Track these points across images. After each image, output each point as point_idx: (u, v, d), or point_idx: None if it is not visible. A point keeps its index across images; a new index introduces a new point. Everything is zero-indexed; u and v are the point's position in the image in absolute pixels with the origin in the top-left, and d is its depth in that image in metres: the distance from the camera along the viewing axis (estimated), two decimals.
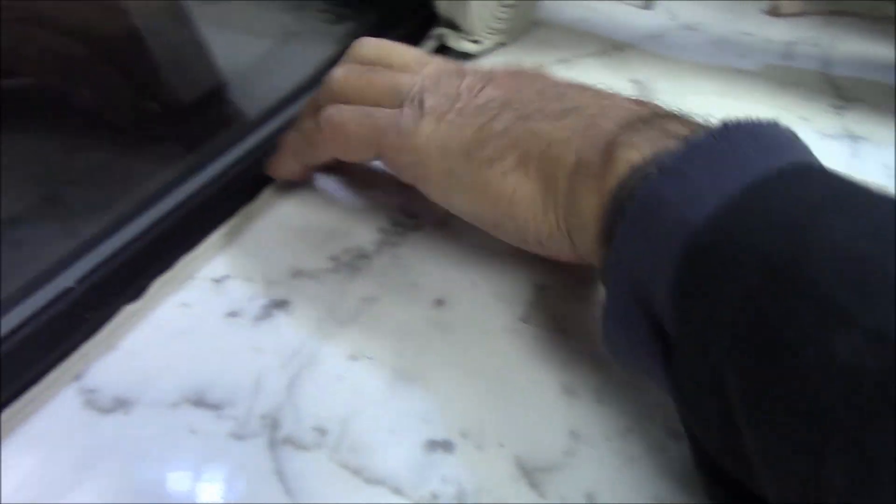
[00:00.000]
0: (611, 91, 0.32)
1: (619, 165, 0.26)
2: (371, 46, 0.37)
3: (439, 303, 0.34)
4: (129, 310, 0.32)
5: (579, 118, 0.29)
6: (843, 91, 0.51)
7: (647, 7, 0.61)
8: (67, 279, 0.33)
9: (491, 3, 0.50)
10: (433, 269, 0.36)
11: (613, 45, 0.56)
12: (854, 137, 0.46)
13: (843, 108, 0.49)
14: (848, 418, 0.18)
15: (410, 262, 0.36)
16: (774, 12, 0.60)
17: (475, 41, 0.51)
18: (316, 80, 0.47)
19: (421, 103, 0.33)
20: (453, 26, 0.50)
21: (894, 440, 0.17)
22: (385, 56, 0.36)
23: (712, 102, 0.49)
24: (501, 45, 0.54)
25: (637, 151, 0.26)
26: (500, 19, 0.52)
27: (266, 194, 0.39)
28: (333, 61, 0.48)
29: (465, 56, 0.51)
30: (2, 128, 0.37)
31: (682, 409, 0.25)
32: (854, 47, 0.57)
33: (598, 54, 0.54)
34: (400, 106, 0.33)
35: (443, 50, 0.51)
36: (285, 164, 0.39)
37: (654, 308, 0.25)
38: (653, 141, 0.26)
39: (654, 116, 0.28)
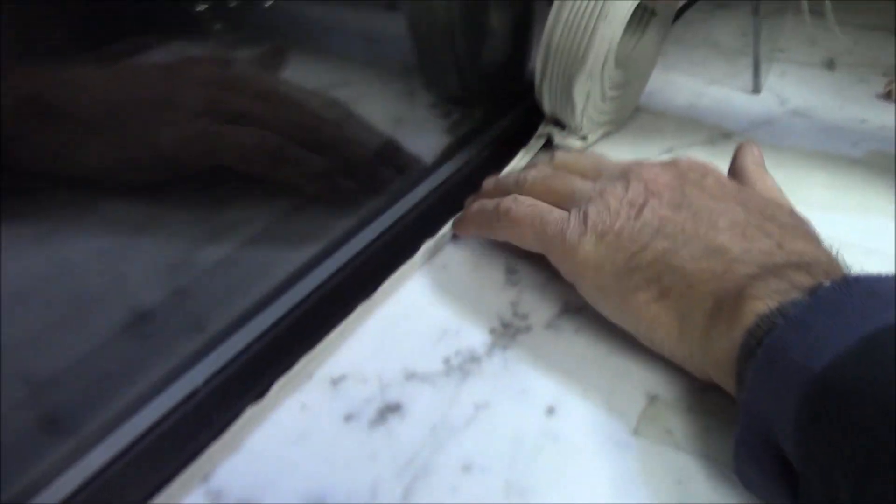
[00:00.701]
0: (757, 214, 0.35)
1: (747, 315, 0.30)
2: (561, 156, 0.44)
3: (551, 411, 0.34)
4: (252, 410, 0.34)
5: (719, 262, 0.33)
6: None
7: (755, 92, 0.61)
8: (195, 378, 0.35)
9: (595, 99, 0.50)
10: (544, 375, 0.36)
11: (721, 133, 0.55)
12: None
13: None
14: None
15: (521, 366, 0.37)
16: (889, 96, 0.59)
17: (582, 137, 0.52)
18: (425, 175, 0.48)
19: (586, 215, 0.37)
20: (559, 123, 0.51)
21: None
22: (571, 164, 0.43)
23: (822, 197, 0.48)
24: (607, 133, 0.55)
25: (763, 303, 0.30)
26: (605, 112, 0.52)
27: (382, 289, 0.41)
28: (443, 155, 0.50)
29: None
30: (136, 217, 0.39)
31: None
32: None
33: (704, 143, 0.54)
34: (572, 208, 0.38)
35: (551, 143, 0.52)
36: (466, 229, 0.44)
37: (781, 444, 0.27)
38: (779, 293, 0.30)
39: (785, 266, 0.31)
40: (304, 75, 0.44)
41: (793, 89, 0.62)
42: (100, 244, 0.38)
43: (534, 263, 0.43)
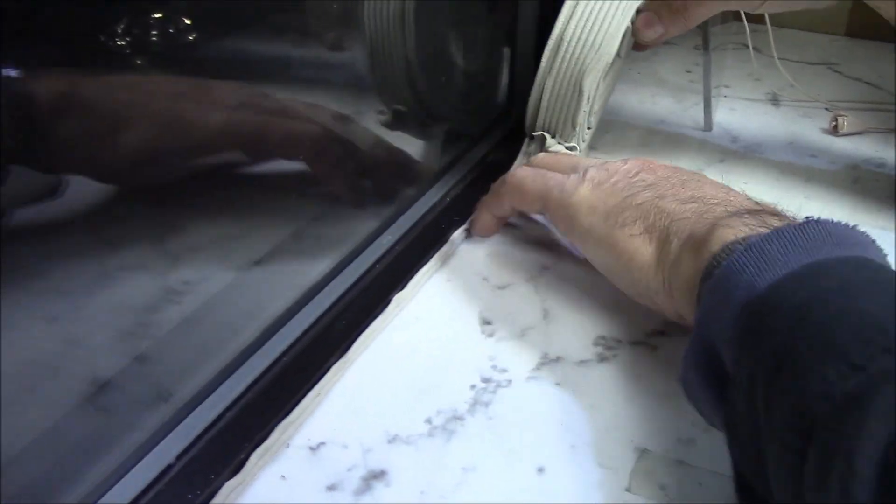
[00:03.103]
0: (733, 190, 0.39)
1: (715, 242, 0.33)
2: (540, 158, 0.48)
3: (541, 471, 0.33)
4: (230, 485, 0.32)
5: (701, 205, 0.37)
6: None
7: (706, 129, 0.61)
8: (167, 454, 0.32)
9: (591, 105, 0.51)
10: (530, 432, 0.35)
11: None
12: None
13: None
14: (825, 426, 0.23)
15: (506, 423, 0.36)
16: (834, 131, 0.60)
17: (570, 148, 0.51)
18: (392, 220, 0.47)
19: (585, 173, 0.42)
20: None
21: (859, 446, 0.22)
22: (550, 164, 0.46)
23: None
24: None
25: (732, 232, 0.33)
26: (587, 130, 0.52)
27: (355, 346, 0.39)
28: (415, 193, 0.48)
29: None
30: (86, 277, 0.37)
31: (729, 436, 0.29)
32: None
33: None
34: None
35: None
36: (480, 220, 0.48)
37: (721, 354, 0.30)
38: (749, 226, 0.33)
39: (761, 212, 0.34)
40: None
41: (742, 126, 0.63)
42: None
43: (507, 313, 0.42)
